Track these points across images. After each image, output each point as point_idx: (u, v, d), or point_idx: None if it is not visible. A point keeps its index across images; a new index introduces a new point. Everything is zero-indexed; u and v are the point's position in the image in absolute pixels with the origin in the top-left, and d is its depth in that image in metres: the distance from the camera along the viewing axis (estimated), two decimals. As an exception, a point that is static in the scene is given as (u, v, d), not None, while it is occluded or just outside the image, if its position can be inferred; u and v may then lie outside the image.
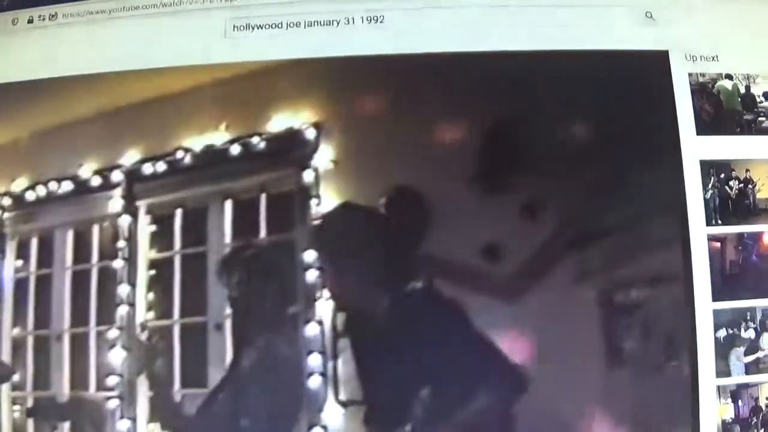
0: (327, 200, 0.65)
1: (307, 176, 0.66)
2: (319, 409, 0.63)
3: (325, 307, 0.64)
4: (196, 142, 0.68)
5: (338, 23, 0.65)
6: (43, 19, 0.68)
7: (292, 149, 0.66)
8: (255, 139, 0.67)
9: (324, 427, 0.63)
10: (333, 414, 0.63)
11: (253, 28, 0.65)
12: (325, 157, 0.66)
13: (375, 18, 0.65)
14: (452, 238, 0.64)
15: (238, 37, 0.65)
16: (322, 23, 0.65)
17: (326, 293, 0.64)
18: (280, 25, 0.65)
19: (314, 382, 0.63)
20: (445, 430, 0.62)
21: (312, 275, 0.64)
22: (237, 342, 0.65)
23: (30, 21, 0.69)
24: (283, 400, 0.64)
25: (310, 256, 0.64)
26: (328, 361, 0.63)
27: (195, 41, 0.66)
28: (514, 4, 0.65)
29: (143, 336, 0.67)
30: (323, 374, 0.63)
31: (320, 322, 0.64)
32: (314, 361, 0.63)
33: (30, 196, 0.69)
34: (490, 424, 0.62)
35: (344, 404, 0.63)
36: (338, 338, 0.64)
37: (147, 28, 0.67)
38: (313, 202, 0.65)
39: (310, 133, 0.66)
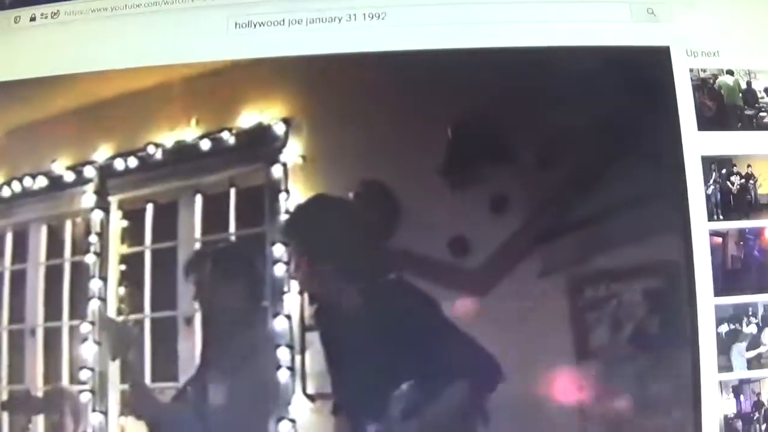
0: (296, 194, 0.66)
1: (276, 171, 0.66)
2: (288, 402, 0.63)
3: (293, 301, 0.64)
4: (167, 137, 0.68)
5: (340, 20, 0.65)
6: (45, 17, 0.68)
7: (261, 144, 0.67)
8: (225, 134, 0.67)
9: (292, 421, 0.63)
10: (301, 407, 0.63)
11: (255, 26, 0.65)
12: (294, 152, 0.66)
13: (377, 14, 0.65)
14: (422, 231, 0.64)
15: (240, 34, 0.65)
16: (324, 20, 0.65)
17: (295, 286, 0.65)
18: (282, 23, 0.65)
19: (282, 375, 0.64)
20: (417, 422, 0.62)
21: (280, 269, 0.65)
22: (206, 336, 0.66)
23: (32, 19, 0.68)
24: (252, 394, 0.64)
25: (278, 250, 0.65)
26: (295, 355, 0.64)
27: (197, 39, 0.65)
28: (514, 0, 0.65)
29: (118, 319, 0.67)
30: (291, 368, 0.64)
31: (288, 316, 0.64)
32: (282, 354, 0.64)
33: (5, 192, 0.70)
34: (464, 416, 0.62)
35: (312, 398, 0.64)
36: (306, 332, 0.64)
37: (149, 26, 0.66)
38: (282, 196, 0.66)
39: (280, 129, 0.66)
